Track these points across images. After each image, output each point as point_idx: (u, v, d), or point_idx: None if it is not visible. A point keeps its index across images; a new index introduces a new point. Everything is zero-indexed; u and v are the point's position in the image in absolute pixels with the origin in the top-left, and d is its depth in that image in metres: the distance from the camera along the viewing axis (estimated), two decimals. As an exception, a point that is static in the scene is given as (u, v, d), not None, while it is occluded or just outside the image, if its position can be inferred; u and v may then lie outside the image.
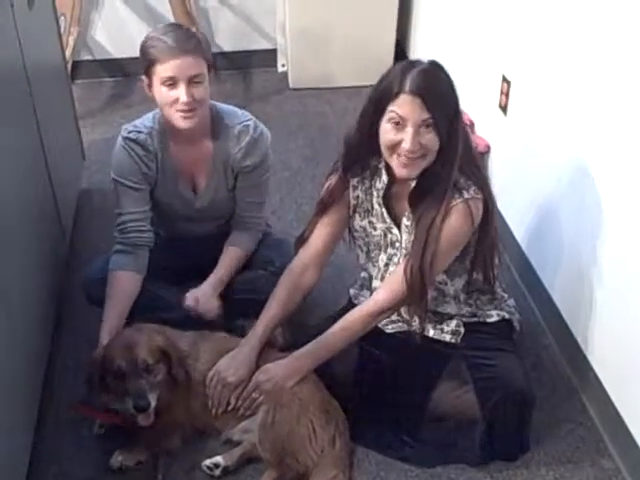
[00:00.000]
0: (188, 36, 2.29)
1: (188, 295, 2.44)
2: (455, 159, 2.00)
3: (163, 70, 2.25)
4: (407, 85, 1.94)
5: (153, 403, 2.08)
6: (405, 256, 2.13)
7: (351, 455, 2.22)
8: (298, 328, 2.48)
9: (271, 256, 2.55)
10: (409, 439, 2.26)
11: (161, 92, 2.30)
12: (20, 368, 2.17)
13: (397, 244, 2.21)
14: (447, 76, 1.99)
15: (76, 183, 3.41)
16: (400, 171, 2.05)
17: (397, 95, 1.95)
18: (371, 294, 2.30)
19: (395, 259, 2.22)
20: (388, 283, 2.19)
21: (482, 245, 2.13)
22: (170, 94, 2.28)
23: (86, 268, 2.62)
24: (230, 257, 2.52)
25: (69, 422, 2.35)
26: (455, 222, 2.05)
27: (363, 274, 2.44)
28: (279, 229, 3.01)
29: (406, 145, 1.98)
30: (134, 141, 2.42)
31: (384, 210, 2.17)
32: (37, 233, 2.53)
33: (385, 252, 2.25)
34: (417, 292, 2.08)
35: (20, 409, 2.15)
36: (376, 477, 2.20)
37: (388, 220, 2.19)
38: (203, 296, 2.44)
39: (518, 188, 2.91)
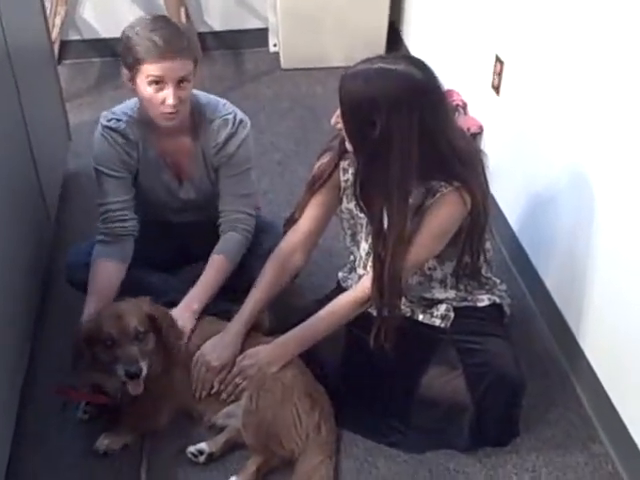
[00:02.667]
0: (178, 35, 2.20)
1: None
2: (389, 164, 1.94)
3: (151, 69, 2.18)
4: None
5: (144, 370, 2.06)
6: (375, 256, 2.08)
7: (338, 441, 2.19)
8: (285, 312, 2.42)
9: (259, 238, 2.49)
10: (398, 424, 2.23)
11: (146, 91, 2.23)
12: (2, 353, 2.12)
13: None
14: (363, 86, 1.93)
15: (61, 165, 3.34)
16: None
17: None
18: (359, 279, 2.26)
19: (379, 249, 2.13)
20: None
21: (472, 232, 2.10)
22: (157, 95, 2.22)
23: (68, 253, 2.58)
24: (214, 271, 2.39)
25: (52, 408, 2.30)
26: (443, 211, 2.03)
27: (351, 257, 2.39)
28: (269, 211, 2.97)
29: None
30: (114, 130, 2.37)
31: (357, 201, 2.11)
32: (20, 215, 2.48)
33: (367, 240, 2.21)
34: (387, 293, 2.06)
35: (2, 395, 2.10)
36: (364, 463, 2.17)
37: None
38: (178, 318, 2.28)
39: (511, 170, 2.87)
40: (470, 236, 2.12)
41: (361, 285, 2.16)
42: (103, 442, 2.17)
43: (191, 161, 2.43)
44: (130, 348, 2.06)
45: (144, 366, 2.07)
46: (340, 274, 2.44)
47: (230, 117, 2.39)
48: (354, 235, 2.30)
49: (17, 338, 2.31)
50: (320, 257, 2.72)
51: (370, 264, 2.15)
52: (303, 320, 2.21)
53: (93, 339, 2.09)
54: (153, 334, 2.13)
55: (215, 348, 2.21)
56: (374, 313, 2.14)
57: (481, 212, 2.07)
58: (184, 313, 2.27)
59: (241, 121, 2.41)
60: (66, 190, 3.28)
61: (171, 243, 2.59)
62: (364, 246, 2.24)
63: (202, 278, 2.36)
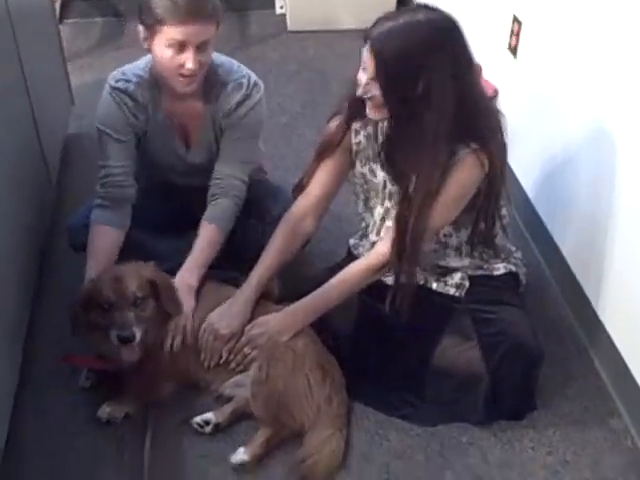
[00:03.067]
0: None
1: None
2: (424, 122, 1.90)
3: (172, 32, 2.07)
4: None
5: (138, 336, 2.01)
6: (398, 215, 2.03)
7: (349, 413, 2.13)
8: (294, 280, 2.35)
9: (267, 205, 2.42)
10: (410, 396, 2.18)
11: (163, 53, 2.13)
12: (1, 317, 2.07)
13: (396, 198, 2.10)
14: (404, 40, 1.88)
15: (63, 127, 3.28)
16: None
17: None
18: (371, 246, 2.21)
19: (393, 213, 2.10)
20: (390, 236, 2.07)
21: (489, 197, 2.03)
22: (175, 58, 2.12)
23: (70, 216, 2.54)
24: (206, 241, 2.30)
25: (53, 376, 2.27)
26: (461, 174, 1.96)
27: (363, 223, 2.33)
28: (276, 177, 2.85)
29: None
30: (123, 91, 2.26)
31: (383, 163, 2.07)
32: (22, 178, 2.43)
33: (382, 205, 2.17)
34: (406, 256, 2.01)
35: (2, 363, 2.06)
36: (375, 435, 2.12)
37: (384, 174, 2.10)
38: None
39: (527, 134, 2.78)
40: (487, 199, 2.05)
41: (375, 252, 2.11)
42: (105, 410, 2.13)
43: (200, 126, 2.34)
44: (125, 313, 2.02)
45: (138, 332, 2.02)
46: (351, 241, 2.38)
47: (244, 81, 2.29)
48: (367, 200, 2.25)
49: (16, 303, 2.26)
50: (330, 223, 2.65)
51: (384, 230, 2.13)
52: (314, 289, 2.15)
53: (91, 302, 2.05)
54: (153, 300, 2.08)
55: (223, 316, 2.16)
56: (388, 281, 2.09)
57: (498, 175, 2.00)
58: (181, 289, 2.19)
59: (255, 84, 2.32)
60: (67, 153, 3.22)
61: (176, 206, 2.51)
62: (379, 211, 2.19)
63: (194, 252, 2.26)
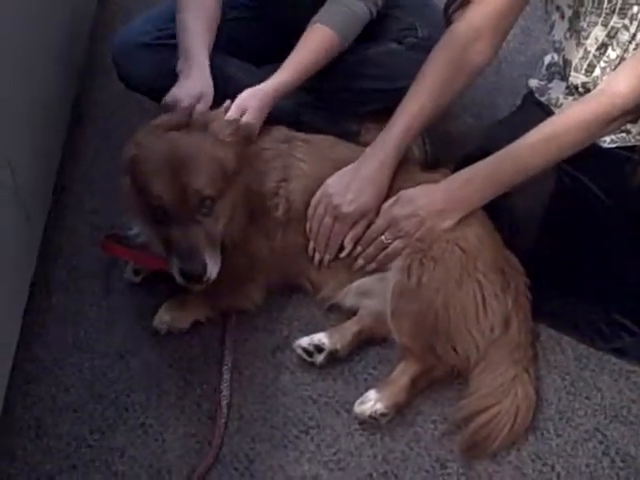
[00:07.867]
0: None
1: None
2: None
3: None
4: None
5: (214, 271, 1.46)
6: None
7: (535, 343, 1.62)
8: (442, 139, 1.86)
9: (412, 21, 1.87)
10: (628, 322, 1.67)
11: None
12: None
13: (635, 12, 1.53)
14: None
15: None
16: None
17: None
18: (568, 88, 1.69)
19: (624, 37, 1.54)
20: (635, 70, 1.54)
21: None
22: None
23: (119, 32, 1.98)
24: (313, 43, 1.74)
25: (83, 266, 1.75)
26: None
27: (549, 59, 1.80)
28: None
29: None
30: None
31: None
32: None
33: (605, 25, 1.59)
34: None
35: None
36: (577, 380, 1.57)
37: None
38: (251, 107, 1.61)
39: None
40: None
41: (604, 93, 1.54)
42: (164, 318, 1.63)
43: None
44: (190, 231, 1.44)
45: (212, 263, 1.46)
46: (532, 82, 1.83)
47: None
48: (575, 18, 1.63)
49: (44, 153, 1.76)
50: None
51: (603, 64, 1.59)
52: (478, 154, 1.61)
53: (136, 184, 1.50)
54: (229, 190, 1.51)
55: (349, 186, 1.62)
56: (600, 143, 1.59)
57: None
58: (255, 95, 1.61)
59: None
60: None
61: (269, 25, 1.98)
62: (596, 35, 1.60)
63: (292, 56, 1.72)
